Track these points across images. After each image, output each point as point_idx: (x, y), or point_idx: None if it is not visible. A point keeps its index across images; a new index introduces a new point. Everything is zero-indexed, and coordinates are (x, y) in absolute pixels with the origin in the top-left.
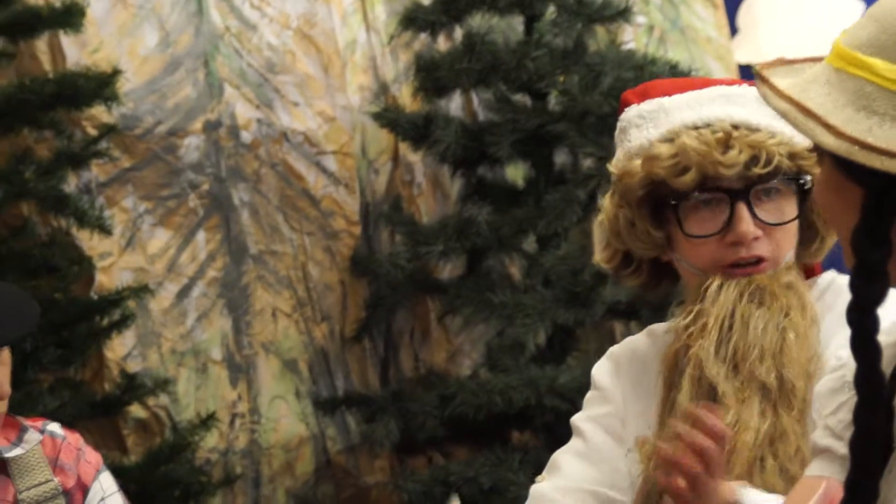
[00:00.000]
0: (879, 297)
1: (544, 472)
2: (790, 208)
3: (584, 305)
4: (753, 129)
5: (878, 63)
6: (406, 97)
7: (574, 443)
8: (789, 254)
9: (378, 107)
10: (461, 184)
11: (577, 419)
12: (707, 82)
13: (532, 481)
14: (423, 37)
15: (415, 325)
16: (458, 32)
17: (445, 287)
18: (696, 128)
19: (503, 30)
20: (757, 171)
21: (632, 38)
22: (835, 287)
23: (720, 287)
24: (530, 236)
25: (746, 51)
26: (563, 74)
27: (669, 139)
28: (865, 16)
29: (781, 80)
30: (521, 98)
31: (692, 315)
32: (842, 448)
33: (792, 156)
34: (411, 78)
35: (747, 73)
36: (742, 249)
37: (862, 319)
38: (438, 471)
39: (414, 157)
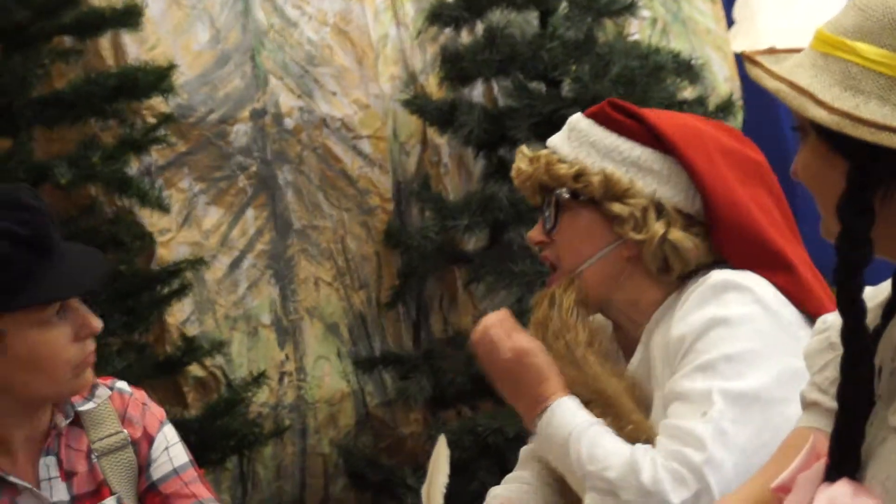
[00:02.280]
0: (864, 261)
1: None
2: (559, 220)
3: None
4: (534, 158)
5: (864, 47)
6: (433, 86)
7: None
8: (582, 264)
9: (408, 95)
10: (483, 164)
11: None
12: None
13: None
14: (448, 31)
15: (443, 291)
16: (479, 27)
17: (470, 258)
18: None
19: (520, 24)
20: (524, 184)
21: (637, 31)
22: (698, 283)
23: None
24: None
25: (743, 41)
26: (574, 64)
27: None
28: (847, 5)
29: (770, 65)
30: (537, 86)
31: None
32: (828, 402)
33: (548, 173)
34: (437, 68)
35: (743, 62)
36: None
37: (848, 281)
38: (467, 422)
39: (440, 140)
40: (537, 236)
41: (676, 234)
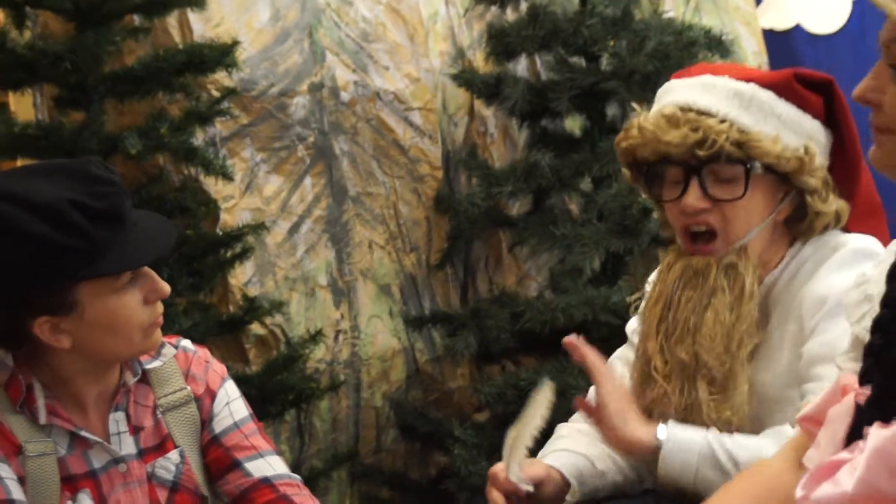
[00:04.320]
0: None
1: None
2: (739, 189)
3: (633, 236)
4: (705, 114)
5: None
6: (480, 61)
7: (624, 349)
8: (750, 232)
9: (456, 69)
10: (527, 134)
11: (629, 328)
12: (716, 70)
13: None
14: (494, 9)
15: (489, 254)
16: (524, 4)
17: (515, 222)
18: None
19: (562, 2)
20: (702, 152)
21: (672, 8)
22: (827, 244)
23: (670, 265)
24: (587, 178)
25: (770, 17)
26: (613, 39)
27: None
28: None
29: None
30: (578, 60)
31: (652, 286)
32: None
33: (739, 144)
34: (484, 44)
35: (770, 37)
36: (690, 218)
37: None
38: (510, 377)
39: (487, 112)
40: (700, 203)
41: (840, 203)
